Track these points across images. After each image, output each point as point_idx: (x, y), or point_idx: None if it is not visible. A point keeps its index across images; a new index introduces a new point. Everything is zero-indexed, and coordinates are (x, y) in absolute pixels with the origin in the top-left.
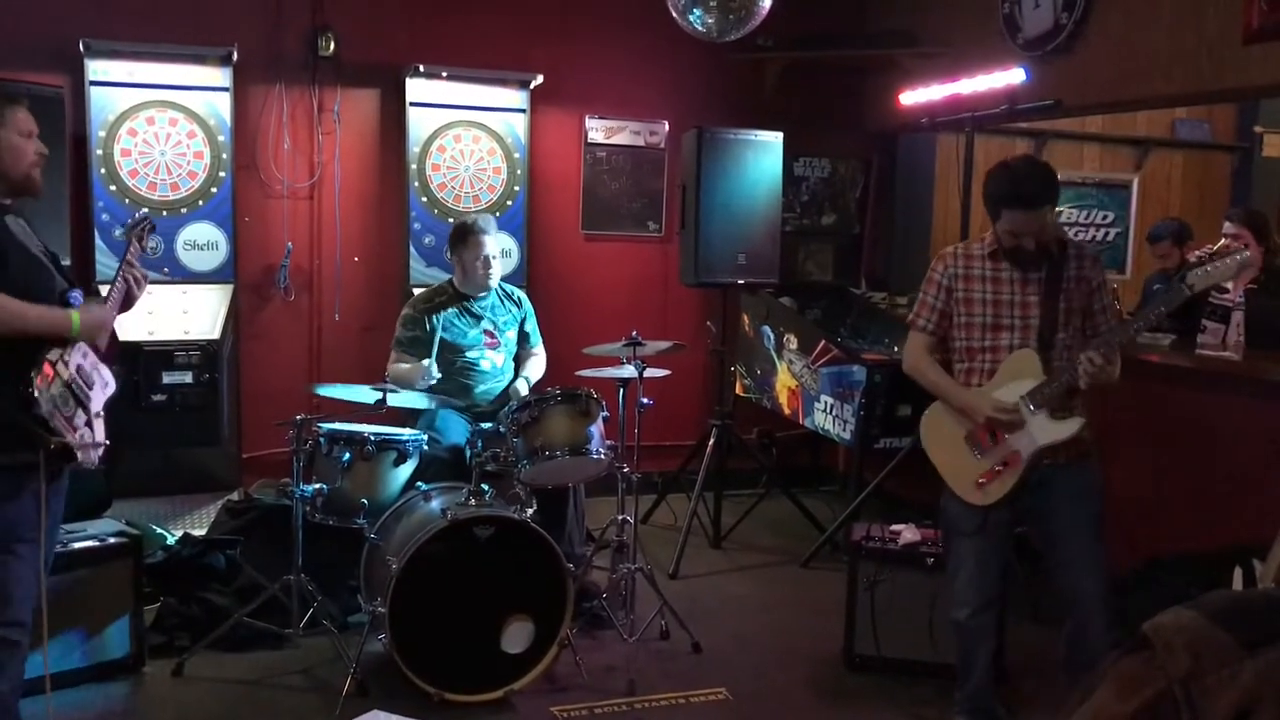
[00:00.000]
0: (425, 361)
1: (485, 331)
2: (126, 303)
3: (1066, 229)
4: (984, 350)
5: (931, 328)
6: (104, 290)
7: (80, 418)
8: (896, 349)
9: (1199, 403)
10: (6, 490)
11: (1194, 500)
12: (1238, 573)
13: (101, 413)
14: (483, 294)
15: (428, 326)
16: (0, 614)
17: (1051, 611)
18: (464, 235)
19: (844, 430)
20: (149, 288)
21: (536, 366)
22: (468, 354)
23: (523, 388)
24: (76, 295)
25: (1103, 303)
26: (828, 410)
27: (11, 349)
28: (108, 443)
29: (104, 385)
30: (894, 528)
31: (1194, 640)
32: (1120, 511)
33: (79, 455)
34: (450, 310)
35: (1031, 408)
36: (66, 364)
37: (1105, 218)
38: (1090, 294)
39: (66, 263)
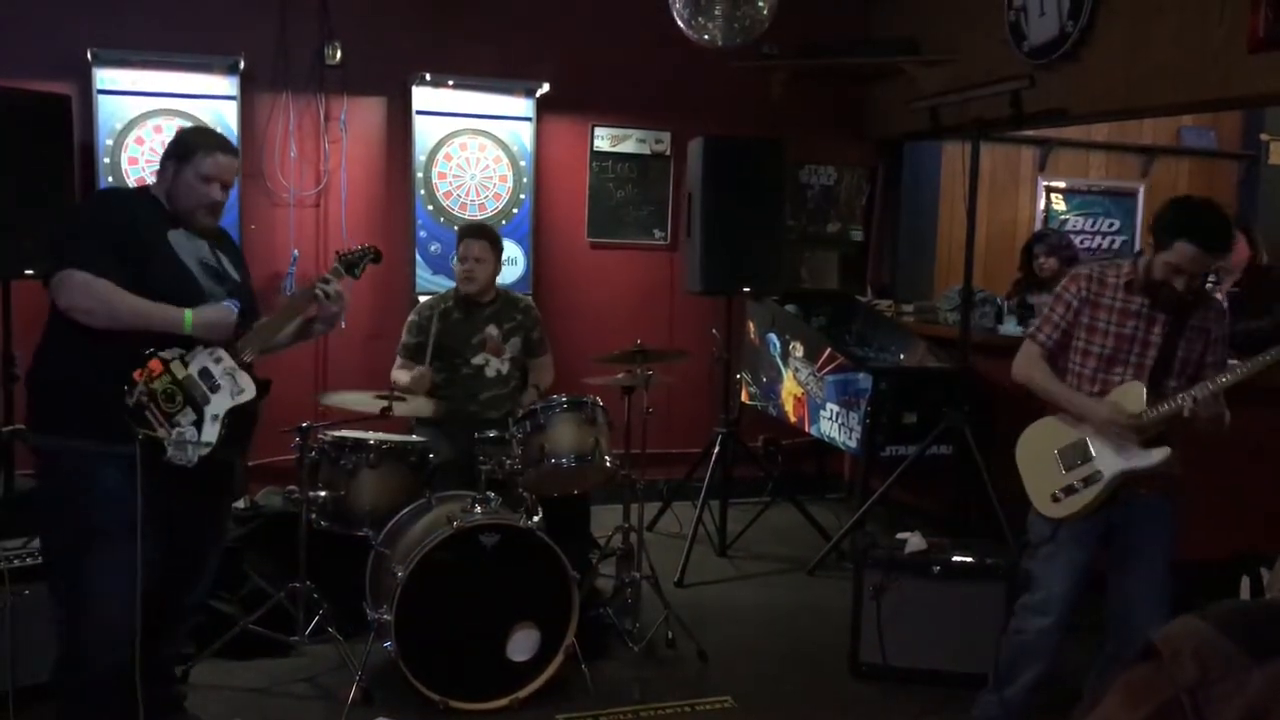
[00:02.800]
0: (419, 369)
1: (488, 338)
2: (308, 327)
3: (1074, 236)
4: (1094, 380)
5: (1051, 345)
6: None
7: (188, 416)
8: (902, 356)
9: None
10: (88, 477)
11: (1201, 509)
12: (1245, 582)
13: (221, 415)
14: (486, 299)
15: (433, 333)
16: (80, 627)
17: (1081, 619)
18: (458, 237)
19: (850, 438)
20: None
21: (545, 375)
22: (472, 360)
23: (532, 395)
24: (229, 304)
25: (1216, 356)
26: (833, 418)
27: (130, 341)
28: (214, 443)
29: (235, 392)
30: (900, 536)
31: (1201, 649)
32: None
33: (169, 450)
34: (454, 316)
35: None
36: (186, 364)
37: (1111, 225)
38: (1206, 346)
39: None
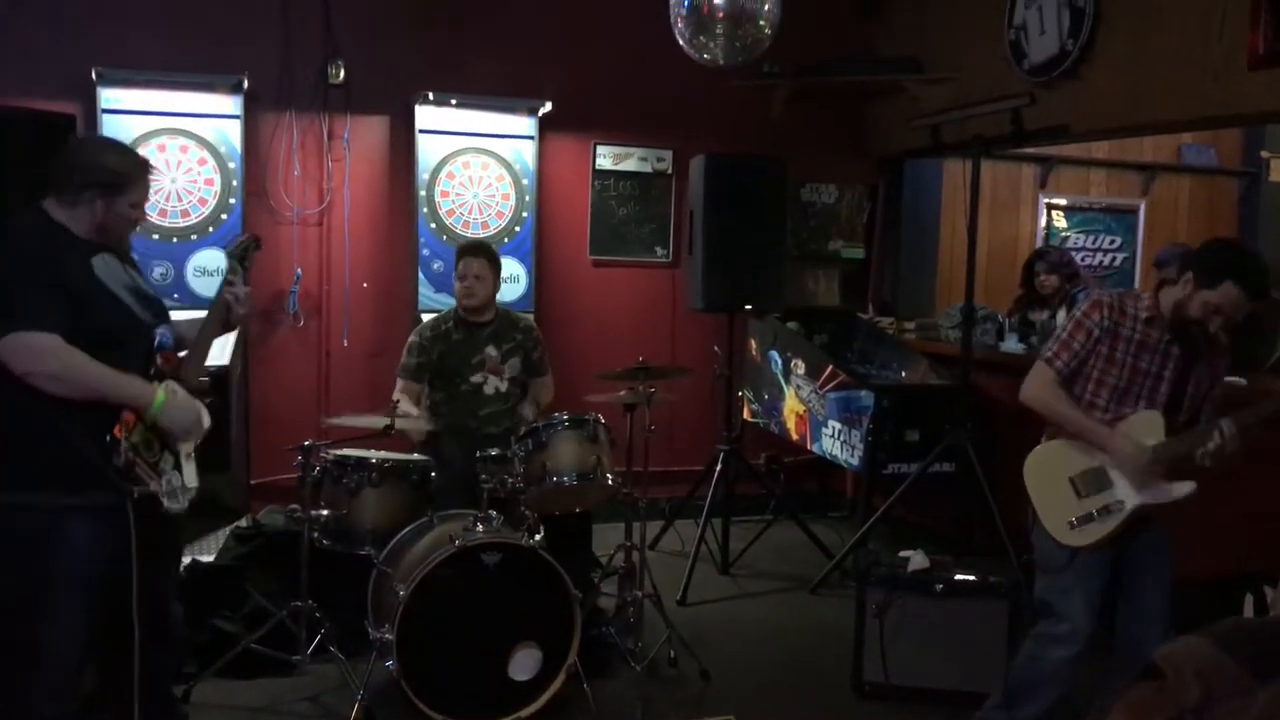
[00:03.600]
0: (418, 415)
1: (488, 358)
2: (227, 325)
3: (1075, 253)
4: (1105, 410)
5: (1067, 372)
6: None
7: (168, 461)
8: (904, 374)
9: None
10: (54, 530)
11: (1205, 527)
12: (1249, 600)
13: (191, 452)
14: (485, 318)
15: (433, 354)
16: (29, 680)
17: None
18: (456, 255)
19: (852, 455)
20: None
21: (545, 394)
22: (471, 378)
23: (529, 413)
24: (164, 334)
25: (1214, 395)
26: (835, 435)
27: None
28: (196, 484)
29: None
30: (903, 554)
31: (1205, 669)
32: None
33: (164, 502)
34: (455, 336)
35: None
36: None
37: (1112, 242)
38: (1212, 384)
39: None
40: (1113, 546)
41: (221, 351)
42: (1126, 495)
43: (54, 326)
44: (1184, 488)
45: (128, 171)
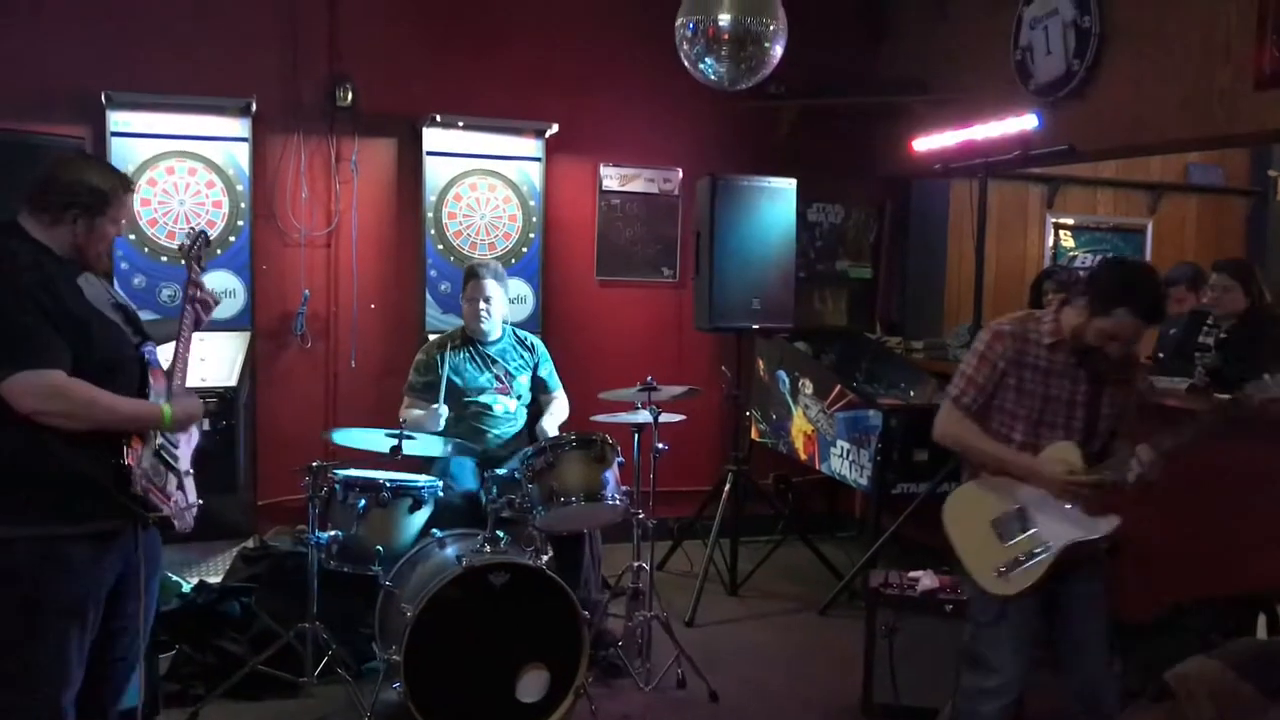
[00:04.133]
0: (435, 405)
1: (496, 376)
2: (196, 326)
3: (1082, 273)
4: (1023, 446)
5: (976, 409)
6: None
7: (172, 482)
8: (912, 393)
9: (1221, 446)
10: (55, 561)
11: (1218, 545)
12: (1262, 619)
13: (189, 469)
14: (494, 338)
15: (440, 371)
16: (19, 709)
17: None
18: (465, 278)
19: (860, 475)
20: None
21: (559, 410)
22: (480, 398)
23: (550, 428)
24: (151, 350)
25: (1130, 410)
26: (844, 455)
27: None
28: (200, 502)
29: (188, 440)
30: (912, 574)
31: (1217, 690)
32: (1143, 556)
33: (176, 524)
34: (461, 354)
35: (1067, 500)
36: (155, 430)
37: None
38: (1125, 406)
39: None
40: (1041, 594)
41: (230, 372)
42: (1051, 535)
43: (58, 362)
44: (1109, 523)
45: (110, 190)
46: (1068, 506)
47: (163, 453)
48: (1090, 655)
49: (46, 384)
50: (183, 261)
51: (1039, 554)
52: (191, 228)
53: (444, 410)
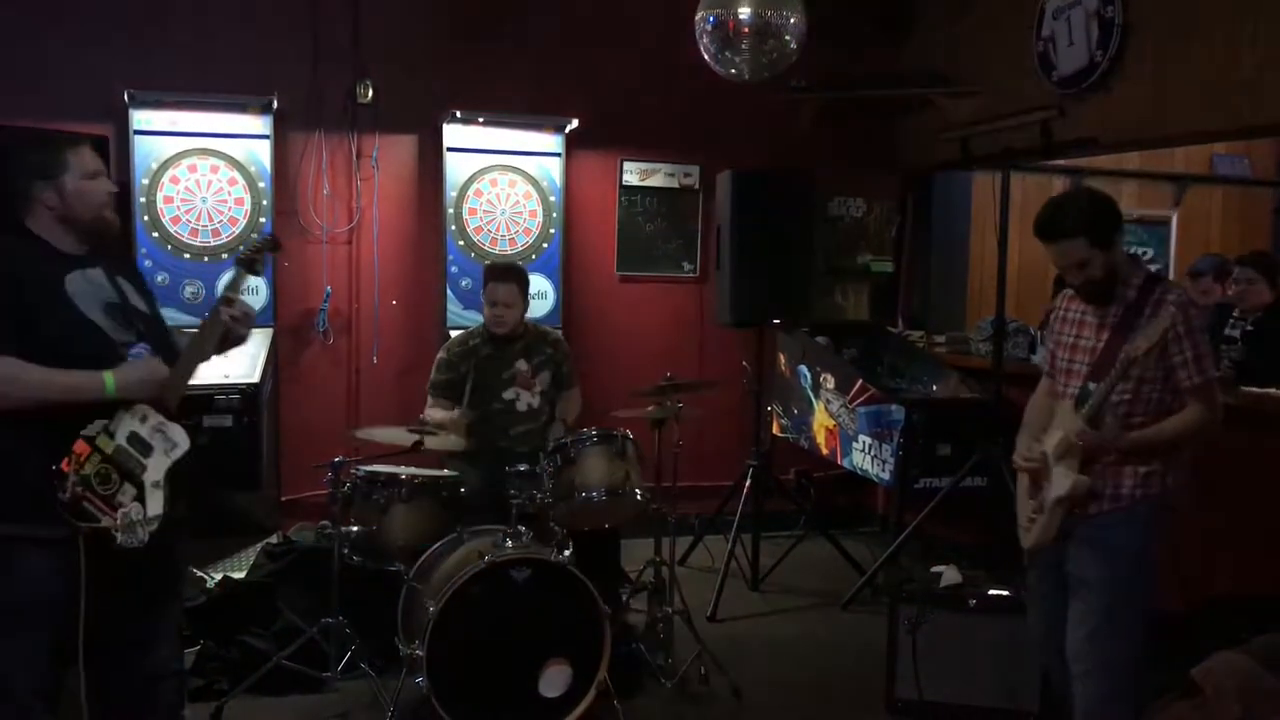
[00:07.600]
0: (456, 412)
1: (519, 372)
2: (225, 342)
3: None
4: (1064, 395)
5: (1047, 369)
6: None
7: (128, 493)
8: (935, 388)
9: (1253, 440)
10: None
11: (1252, 540)
12: None
13: (161, 481)
14: (514, 336)
15: (461, 370)
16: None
17: None
18: (484, 278)
19: (883, 470)
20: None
21: (572, 407)
22: (503, 394)
23: (559, 429)
24: (138, 350)
25: (1184, 355)
26: (866, 450)
27: (49, 419)
28: (161, 513)
29: (168, 449)
30: (935, 569)
31: (1245, 686)
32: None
33: (118, 538)
34: (484, 352)
35: (1053, 459)
36: (112, 435)
37: (1145, 254)
38: (1167, 342)
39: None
40: (1056, 550)
41: (252, 369)
42: (1051, 490)
43: None
44: (1067, 481)
45: (54, 148)
46: (1056, 464)
47: (118, 460)
48: (1058, 619)
49: None
50: (235, 267)
51: (1042, 509)
52: (269, 237)
53: (465, 414)
